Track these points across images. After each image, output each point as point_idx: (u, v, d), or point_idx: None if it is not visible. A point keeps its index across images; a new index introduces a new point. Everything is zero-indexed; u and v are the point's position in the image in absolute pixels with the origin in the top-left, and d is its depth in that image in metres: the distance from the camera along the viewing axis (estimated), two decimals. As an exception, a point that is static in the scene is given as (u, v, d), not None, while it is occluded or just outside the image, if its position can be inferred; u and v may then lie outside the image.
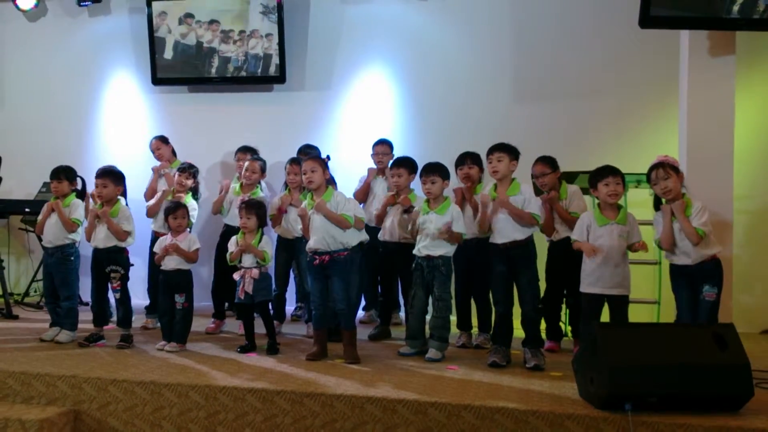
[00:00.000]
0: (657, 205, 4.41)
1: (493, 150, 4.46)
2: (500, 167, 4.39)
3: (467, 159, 5.02)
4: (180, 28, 7.03)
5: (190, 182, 5.49)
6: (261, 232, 4.74)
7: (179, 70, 7.09)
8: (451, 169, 4.86)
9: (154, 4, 7.03)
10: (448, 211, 4.53)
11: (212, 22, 6.95)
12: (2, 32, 7.68)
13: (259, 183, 5.65)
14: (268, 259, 4.71)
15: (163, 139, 6.32)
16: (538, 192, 4.76)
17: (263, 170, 5.63)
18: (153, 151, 6.27)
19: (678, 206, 4.21)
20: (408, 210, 4.98)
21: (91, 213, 4.89)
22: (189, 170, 5.52)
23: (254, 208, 4.76)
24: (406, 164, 5.07)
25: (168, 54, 7.07)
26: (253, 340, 4.72)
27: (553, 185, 4.91)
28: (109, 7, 7.44)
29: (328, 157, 4.91)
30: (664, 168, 4.26)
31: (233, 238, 4.78)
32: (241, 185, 5.52)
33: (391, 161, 5.47)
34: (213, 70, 7.01)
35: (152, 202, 5.58)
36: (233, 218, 5.37)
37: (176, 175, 5.55)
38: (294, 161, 5.30)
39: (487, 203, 4.37)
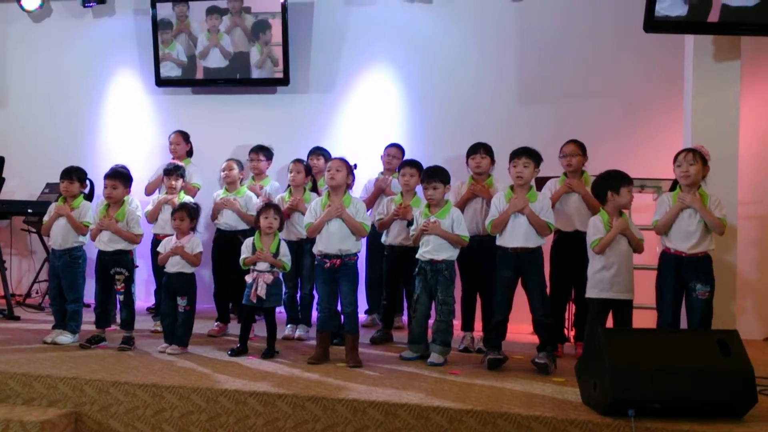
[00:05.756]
0: (674, 185, 4.40)
1: (520, 154, 4.39)
2: (525, 173, 4.36)
3: (480, 149, 4.97)
4: (184, 29, 7.02)
5: (179, 183, 5.49)
6: (278, 238, 4.70)
7: (183, 72, 7.09)
8: (452, 170, 4.77)
9: (158, 5, 7.03)
10: (449, 215, 4.52)
11: (215, 24, 6.94)
12: (7, 33, 7.69)
13: (242, 181, 5.64)
14: (287, 268, 4.70)
15: (184, 135, 6.33)
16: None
17: (242, 167, 5.63)
18: (170, 143, 6.27)
19: (697, 201, 4.20)
20: (411, 222, 4.97)
21: (100, 222, 4.84)
22: (175, 172, 5.51)
23: (277, 209, 4.73)
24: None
25: (172, 55, 7.07)
26: (246, 343, 4.69)
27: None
28: (113, 8, 7.45)
29: (356, 165, 4.92)
30: (694, 153, 4.26)
31: (248, 241, 4.72)
32: (226, 188, 5.54)
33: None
34: (216, 72, 7.00)
35: (150, 208, 5.55)
36: (224, 222, 5.46)
37: (164, 179, 5.57)
38: (298, 161, 5.27)
39: (520, 207, 4.30)
